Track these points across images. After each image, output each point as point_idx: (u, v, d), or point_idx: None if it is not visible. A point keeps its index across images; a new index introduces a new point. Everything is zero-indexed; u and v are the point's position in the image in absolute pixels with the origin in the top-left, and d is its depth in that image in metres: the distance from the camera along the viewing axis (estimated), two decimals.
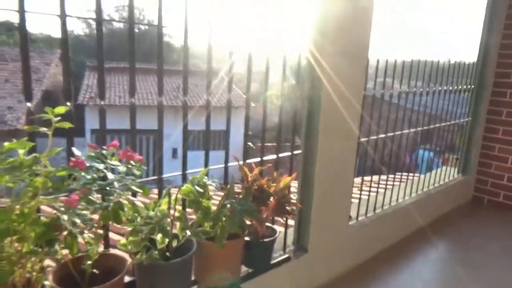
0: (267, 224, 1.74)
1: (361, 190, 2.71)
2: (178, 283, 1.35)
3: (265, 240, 1.64)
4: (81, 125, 12.70)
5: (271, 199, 1.60)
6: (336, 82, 2.00)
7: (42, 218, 1.10)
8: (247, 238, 1.64)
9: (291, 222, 2.27)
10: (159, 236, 1.32)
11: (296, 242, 2.18)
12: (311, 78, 1.99)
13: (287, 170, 2.07)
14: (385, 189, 3.12)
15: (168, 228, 1.30)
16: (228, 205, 1.46)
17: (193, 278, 1.55)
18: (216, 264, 1.50)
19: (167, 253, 1.34)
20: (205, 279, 1.54)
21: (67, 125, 1.05)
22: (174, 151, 12.78)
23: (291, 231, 2.22)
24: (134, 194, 1.41)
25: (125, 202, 1.27)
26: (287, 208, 1.54)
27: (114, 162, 1.23)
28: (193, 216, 1.49)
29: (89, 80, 14.13)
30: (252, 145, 1.94)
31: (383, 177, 3.80)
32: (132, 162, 1.25)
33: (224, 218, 1.47)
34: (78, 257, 1.22)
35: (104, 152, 1.27)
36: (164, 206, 1.40)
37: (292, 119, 2.08)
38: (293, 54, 2.00)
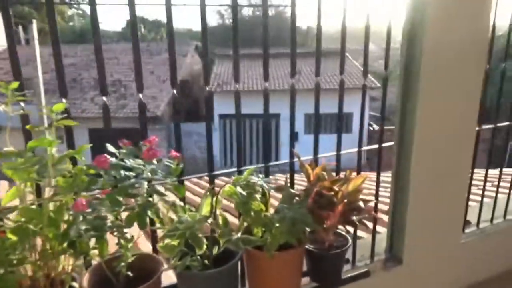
0: (340, 231, 1.46)
1: (484, 187, 2.12)
2: None
3: (331, 252, 1.36)
4: (211, 111, 13.59)
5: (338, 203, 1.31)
6: (443, 42, 1.55)
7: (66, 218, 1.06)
8: (311, 248, 1.40)
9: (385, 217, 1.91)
10: None
11: (389, 251, 1.83)
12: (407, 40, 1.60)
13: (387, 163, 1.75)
14: None
15: (201, 235, 1.15)
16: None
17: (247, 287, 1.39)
18: (268, 276, 1.30)
19: (206, 261, 1.20)
20: None
21: (68, 122, 0.97)
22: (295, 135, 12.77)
23: (383, 236, 1.87)
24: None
25: (162, 202, 1.18)
26: (353, 217, 1.23)
27: (140, 161, 1.12)
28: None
29: (218, 68, 14.98)
30: (374, 126, 1.68)
31: None
32: (155, 160, 1.13)
33: (277, 225, 1.26)
34: (112, 258, 1.17)
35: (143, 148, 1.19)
36: (206, 208, 1.26)
37: (381, 102, 1.72)
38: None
